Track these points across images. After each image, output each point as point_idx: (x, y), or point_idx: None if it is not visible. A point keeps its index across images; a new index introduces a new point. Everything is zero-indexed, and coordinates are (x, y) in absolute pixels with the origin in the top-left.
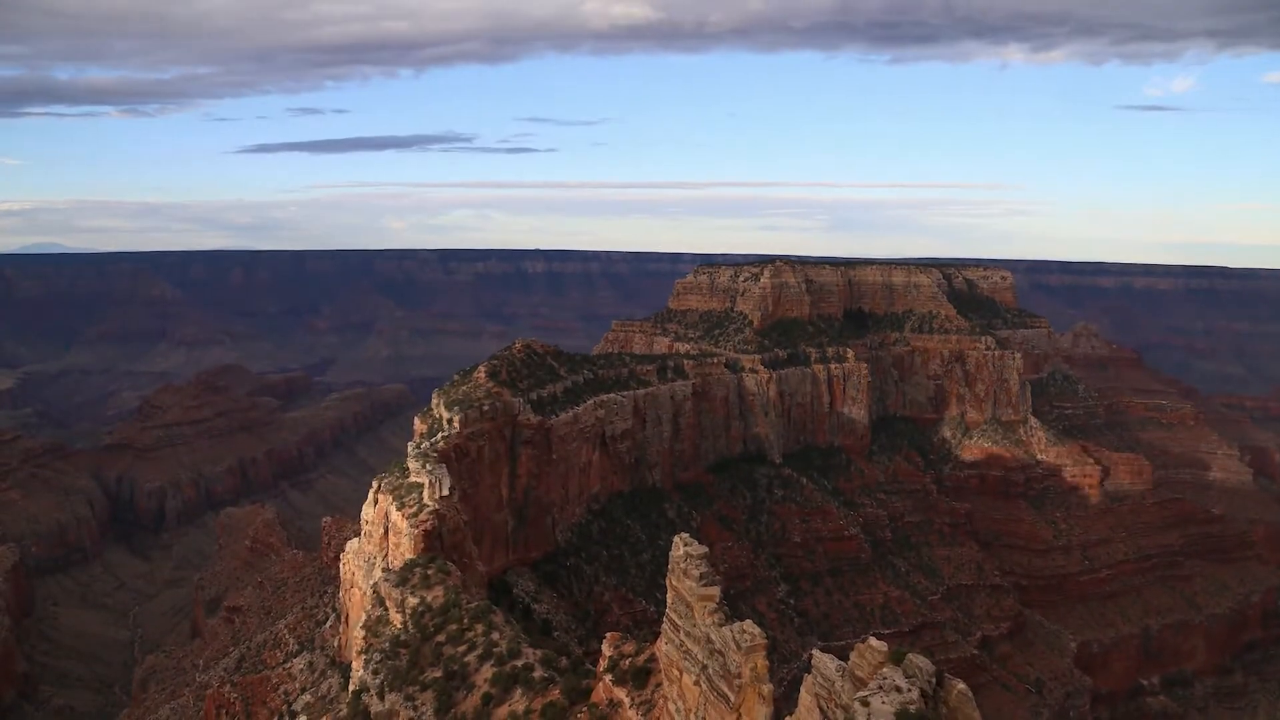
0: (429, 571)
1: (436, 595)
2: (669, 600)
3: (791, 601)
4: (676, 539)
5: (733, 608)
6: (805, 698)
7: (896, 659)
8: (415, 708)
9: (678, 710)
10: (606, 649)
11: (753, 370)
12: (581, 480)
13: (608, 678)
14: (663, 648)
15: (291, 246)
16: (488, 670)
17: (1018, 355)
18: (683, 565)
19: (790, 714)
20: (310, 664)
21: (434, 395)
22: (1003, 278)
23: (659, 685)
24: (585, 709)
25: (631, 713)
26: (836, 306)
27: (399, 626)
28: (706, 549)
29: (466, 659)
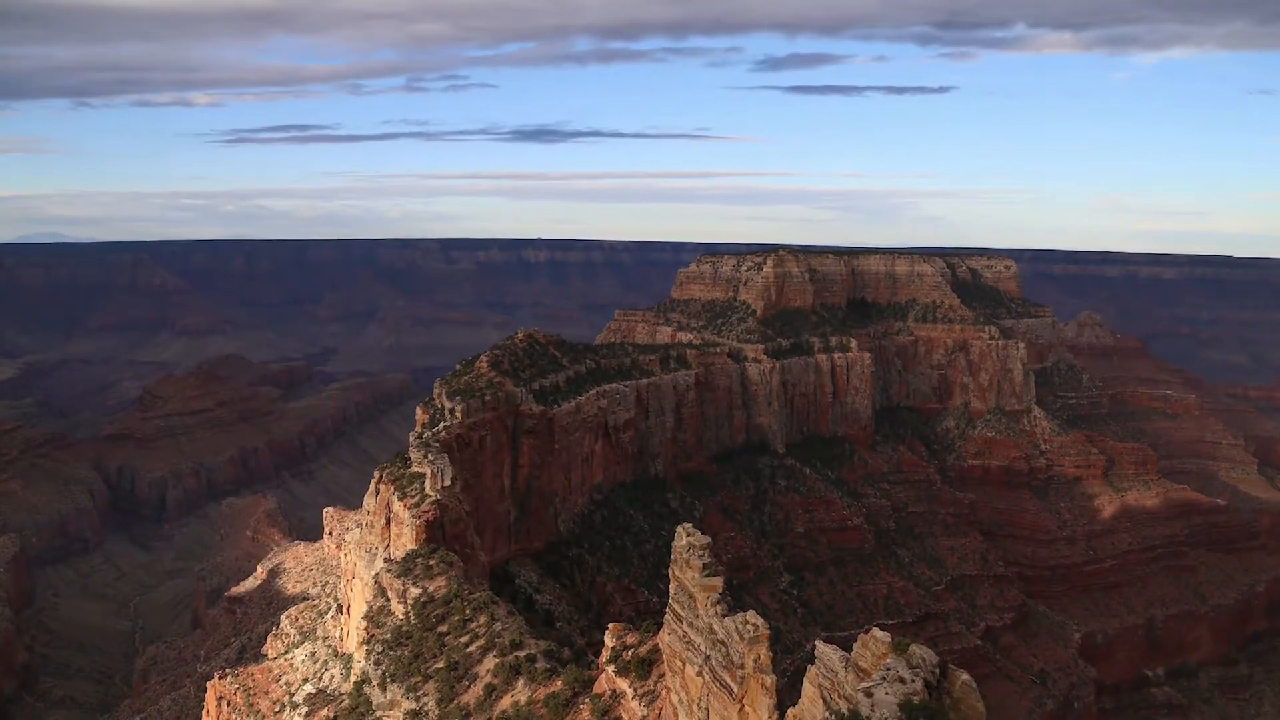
0: (431, 562)
1: (439, 586)
2: (671, 591)
3: (795, 592)
4: (679, 529)
5: (736, 598)
6: (808, 689)
7: (900, 650)
8: (417, 699)
9: (680, 701)
10: (609, 640)
11: (756, 360)
12: (584, 470)
13: (610, 668)
14: (665, 638)
15: (292, 235)
16: (490, 661)
17: (1021, 345)
18: (685, 556)
19: (793, 705)
20: (312, 654)
21: (436, 385)
22: (1006, 267)
23: (662, 676)
24: (588, 700)
25: (634, 704)
26: (840, 296)
27: (401, 617)
28: (709, 539)
29: (469, 650)
